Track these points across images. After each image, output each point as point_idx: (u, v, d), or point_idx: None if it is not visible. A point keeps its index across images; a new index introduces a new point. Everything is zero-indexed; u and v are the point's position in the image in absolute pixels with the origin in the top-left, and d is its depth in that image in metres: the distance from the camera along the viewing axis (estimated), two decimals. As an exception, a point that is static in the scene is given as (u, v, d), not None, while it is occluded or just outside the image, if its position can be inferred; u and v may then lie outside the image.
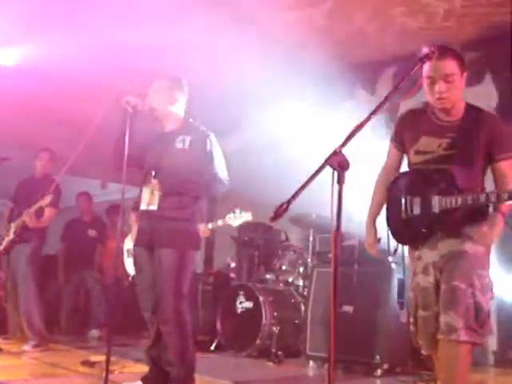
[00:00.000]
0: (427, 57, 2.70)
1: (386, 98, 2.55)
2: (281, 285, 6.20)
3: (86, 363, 4.86)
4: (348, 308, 5.04)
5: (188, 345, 3.78)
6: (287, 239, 6.65)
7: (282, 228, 6.53)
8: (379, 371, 4.79)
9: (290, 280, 6.19)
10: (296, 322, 5.83)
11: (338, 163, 2.19)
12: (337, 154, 2.20)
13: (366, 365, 4.88)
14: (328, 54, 6.42)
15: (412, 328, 3.01)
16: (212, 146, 3.91)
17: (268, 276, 6.32)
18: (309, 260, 5.98)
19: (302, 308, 5.79)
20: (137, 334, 6.92)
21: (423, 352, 3.03)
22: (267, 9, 5.32)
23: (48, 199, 5.63)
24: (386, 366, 4.82)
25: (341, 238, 2.29)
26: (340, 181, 2.19)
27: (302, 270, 6.12)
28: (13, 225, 5.96)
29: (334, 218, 2.20)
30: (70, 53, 5.57)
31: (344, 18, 5.68)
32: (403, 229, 3.05)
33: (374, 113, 2.45)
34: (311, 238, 6.04)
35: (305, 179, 2.24)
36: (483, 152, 2.90)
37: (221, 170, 3.91)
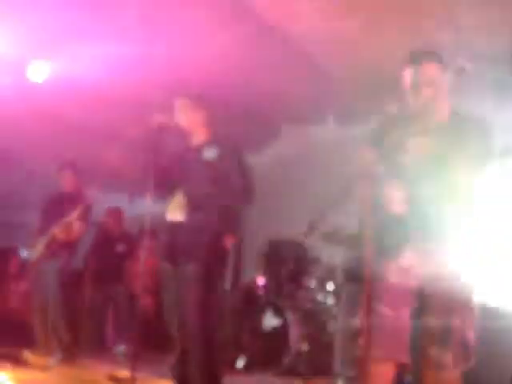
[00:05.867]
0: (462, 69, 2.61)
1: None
2: (310, 302, 6.10)
3: (113, 378, 4.84)
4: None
5: (215, 361, 3.72)
6: (317, 256, 6.56)
7: (313, 244, 6.45)
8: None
9: (319, 298, 6.10)
10: (325, 340, 5.73)
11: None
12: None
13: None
14: (360, 69, 6.36)
15: None
16: (240, 157, 3.89)
17: (297, 293, 6.24)
18: (338, 277, 5.87)
19: (331, 326, 5.69)
20: (163, 349, 6.86)
21: None
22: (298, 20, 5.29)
23: (77, 213, 5.64)
24: None
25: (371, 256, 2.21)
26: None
27: (331, 287, 6.02)
28: (43, 238, 5.98)
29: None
30: (98, 66, 5.61)
31: (375, 32, 5.62)
32: None
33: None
34: (341, 255, 5.93)
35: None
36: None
37: (248, 182, 3.87)
